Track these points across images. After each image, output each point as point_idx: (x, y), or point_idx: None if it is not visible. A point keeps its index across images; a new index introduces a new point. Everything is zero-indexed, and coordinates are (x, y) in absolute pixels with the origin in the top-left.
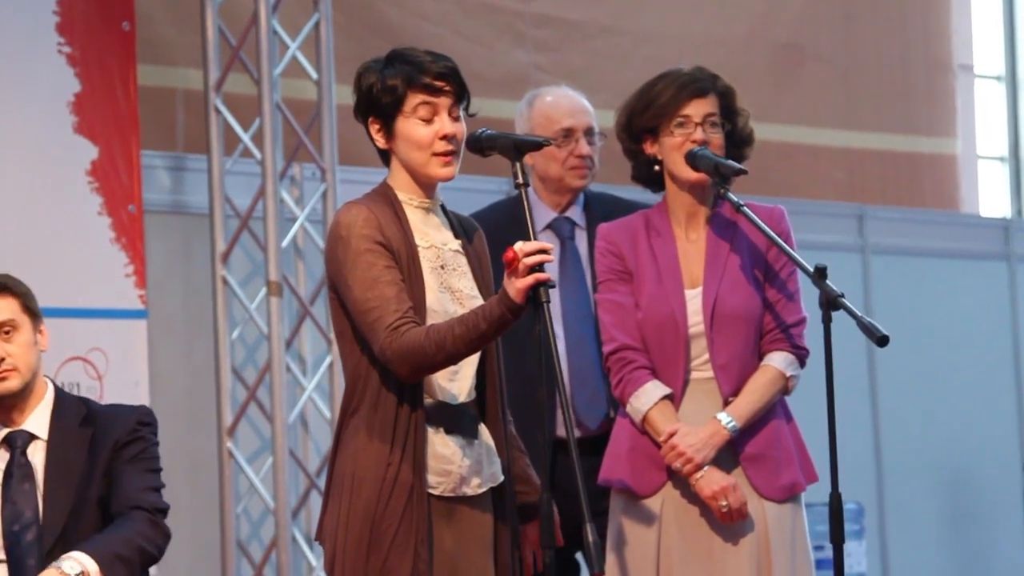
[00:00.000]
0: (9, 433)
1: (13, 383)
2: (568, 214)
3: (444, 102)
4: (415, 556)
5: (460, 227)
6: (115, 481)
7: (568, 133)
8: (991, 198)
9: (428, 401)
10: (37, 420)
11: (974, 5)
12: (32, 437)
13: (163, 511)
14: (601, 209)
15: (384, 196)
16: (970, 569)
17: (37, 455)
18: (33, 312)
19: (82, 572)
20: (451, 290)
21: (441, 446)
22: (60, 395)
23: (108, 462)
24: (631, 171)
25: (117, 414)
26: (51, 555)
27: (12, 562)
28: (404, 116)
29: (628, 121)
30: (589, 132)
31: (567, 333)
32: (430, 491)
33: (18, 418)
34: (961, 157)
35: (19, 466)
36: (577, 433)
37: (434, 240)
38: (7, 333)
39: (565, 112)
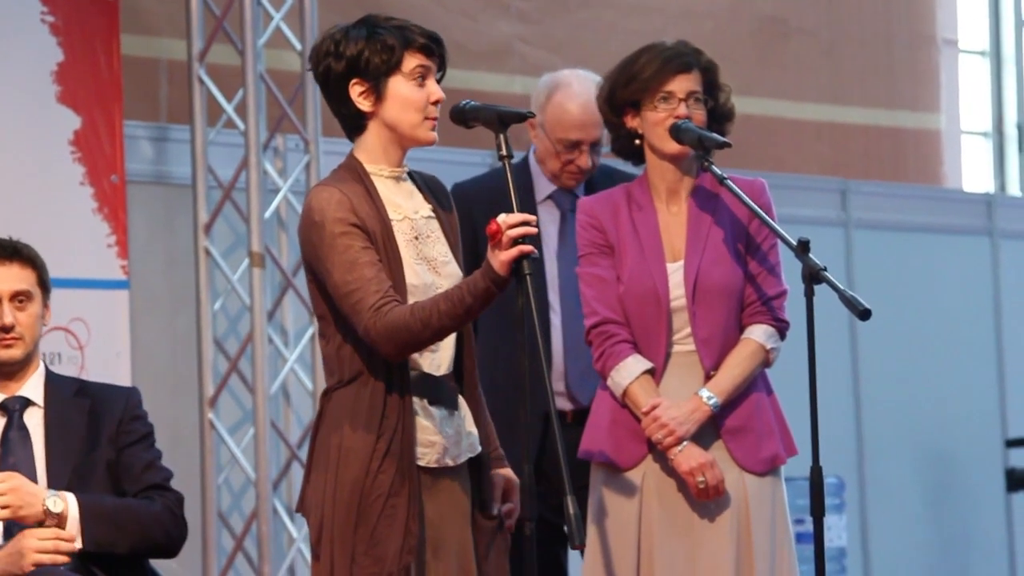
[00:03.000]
0: (6, 399)
1: (16, 351)
2: None
3: (434, 66)
4: (406, 531)
5: (428, 189)
6: (126, 460)
7: (574, 145)
8: (974, 173)
9: (412, 373)
10: (32, 388)
11: None
12: (28, 403)
13: (180, 500)
14: (605, 182)
15: (353, 172)
16: (950, 544)
17: (33, 420)
18: (46, 286)
19: (61, 513)
20: (427, 260)
21: (425, 418)
22: (49, 370)
23: (114, 433)
24: (611, 143)
25: (112, 391)
26: None
27: None
28: (402, 77)
29: (610, 94)
30: (595, 144)
31: (563, 306)
32: (417, 463)
33: (13, 387)
34: (944, 132)
35: (17, 428)
36: (570, 406)
37: (406, 210)
38: (21, 302)
39: (577, 125)
